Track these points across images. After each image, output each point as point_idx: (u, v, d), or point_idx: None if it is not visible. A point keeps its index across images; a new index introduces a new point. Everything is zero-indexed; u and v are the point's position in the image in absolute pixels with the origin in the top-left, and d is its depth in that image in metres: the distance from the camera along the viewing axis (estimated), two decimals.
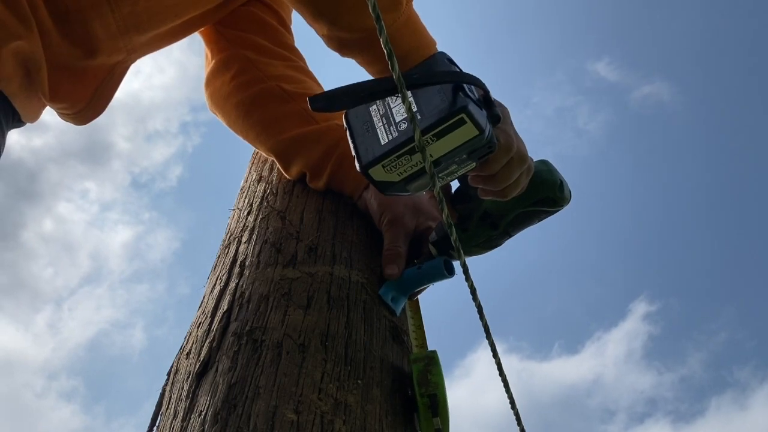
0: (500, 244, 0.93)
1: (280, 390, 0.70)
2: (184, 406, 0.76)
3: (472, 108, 0.70)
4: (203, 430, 0.69)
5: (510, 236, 0.92)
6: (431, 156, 0.71)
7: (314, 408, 0.69)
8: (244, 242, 0.97)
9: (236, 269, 0.92)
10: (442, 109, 0.70)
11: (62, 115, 0.98)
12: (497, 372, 0.85)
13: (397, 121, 0.73)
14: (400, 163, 0.72)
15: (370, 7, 0.52)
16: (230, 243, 1.00)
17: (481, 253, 0.93)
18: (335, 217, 0.98)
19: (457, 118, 0.69)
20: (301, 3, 0.81)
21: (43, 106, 0.93)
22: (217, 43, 1.13)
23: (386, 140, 0.73)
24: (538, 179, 0.85)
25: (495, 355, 0.82)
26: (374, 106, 0.76)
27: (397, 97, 0.73)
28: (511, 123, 0.82)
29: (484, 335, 0.79)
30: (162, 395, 0.86)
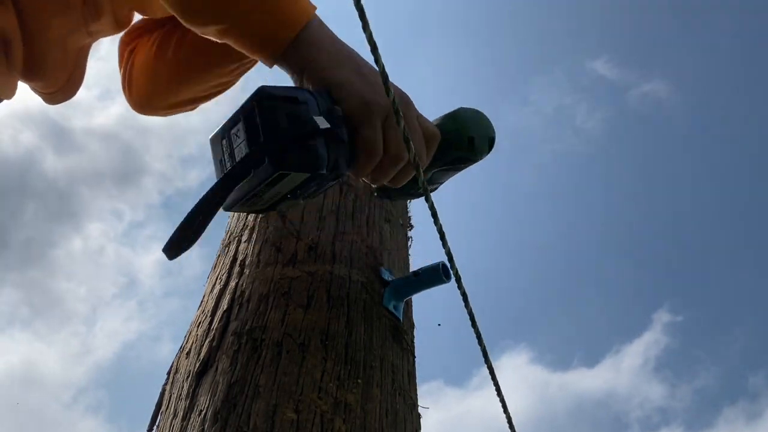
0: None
1: (280, 389, 0.70)
2: (184, 405, 0.76)
3: (295, 158, 0.66)
4: (203, 429, 0.69)
5: (435, 188, 0.92)
6: (272, 199, 0.70)
7: (314, 407, 0.69)
8: (244, 241, 0.97)
9: (236, 268, 0.92)
10: (260, 172, 0.67)
11: (37, 93, 0.98)
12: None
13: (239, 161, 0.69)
14: (255, 202, 0.72)
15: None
16: (230, 242, 1.00)
17: (408, 199, 0.92)
18: (335, 216, 0.98)
19: (275, 176, 0.66)
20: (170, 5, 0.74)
21: (17, 82, 0.93)
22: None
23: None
24: (446, 141, 0.83)
25: (492, 373, 0.82)
26: (223, 141, 0.71)
27: (237, 136, 0.69)
28: (385, 117, 0.72)
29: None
30: (162, 394, 0.86)
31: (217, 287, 0.91)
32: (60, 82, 0.96)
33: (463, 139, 0.87)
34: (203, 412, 0.71)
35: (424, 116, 0.80)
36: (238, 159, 0.68)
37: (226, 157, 0.70)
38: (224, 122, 0.71)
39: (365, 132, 0.71)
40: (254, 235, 0.96)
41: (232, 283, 0.89)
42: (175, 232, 0.67)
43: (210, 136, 0.73)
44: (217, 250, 1.06)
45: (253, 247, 0.94)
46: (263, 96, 0.67)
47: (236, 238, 0.99)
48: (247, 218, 1.02)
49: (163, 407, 0.82)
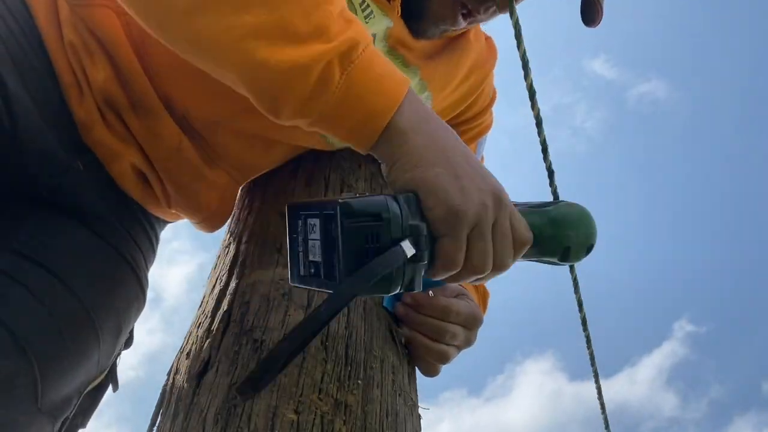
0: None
1: (280, 390, 0.70)
2: (184, 405, 0.76)
3: (371, 288, 0.62)
4: (203, 430, 0.69)
5: None
6: None
7: (314, 408, 0.69)
8: (245, 242, 0.97)
9: (236, 269, 0.92)
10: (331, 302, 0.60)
11: (192, 223, 1.02)
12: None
13: (309, 260, 0.67)
14: None
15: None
16: (230, 243, 1.00)
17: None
18: None
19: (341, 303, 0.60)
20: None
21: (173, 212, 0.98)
22: None
23: (303, 274, 0.68)
24: (538, 245, 0.75)
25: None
26: (300, 221, 0.68)
27: (312, 229, 0.65)
28: (463, 230, 0.65)
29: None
30: (162, 395, 0.86)
31: (218, 288, 0.91)
32: (200, 216, 0.98)
33: (558, 249, 0.77)
34: (203, 413, 0.71)
35: (517, 211, 0.72)
36: (314, 259, 0.64)
37: (299, 241, 0.67)
38: (307, 199, 0.69)
39: (448, 245, 0.65)
40: (254, 236, 0.96)
41: (233, 284, 0.89)
42: (257, 367, 0.60)
43: (289, 202, 0.70)
44: (217, 250, 1.06)
45: (254, 248, 0.94)
46: (344, 212, 0.61)
47: (236, 239, 0.99)
48: (247, 219, 1.02)
49: (164, 408, 0.82)
